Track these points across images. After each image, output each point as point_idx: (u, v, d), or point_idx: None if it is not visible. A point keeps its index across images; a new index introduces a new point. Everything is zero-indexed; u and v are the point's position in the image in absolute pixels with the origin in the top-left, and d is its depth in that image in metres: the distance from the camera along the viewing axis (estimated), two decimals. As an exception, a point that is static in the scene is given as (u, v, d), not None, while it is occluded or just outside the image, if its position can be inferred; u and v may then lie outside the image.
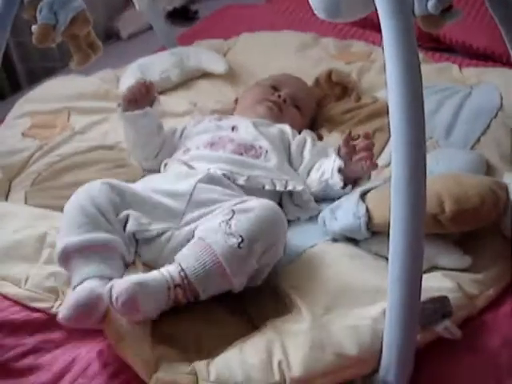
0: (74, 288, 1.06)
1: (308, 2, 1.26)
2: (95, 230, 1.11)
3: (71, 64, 1.40)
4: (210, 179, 1.25)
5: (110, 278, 1.05)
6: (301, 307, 1.07)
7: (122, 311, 0.99)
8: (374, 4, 0.95)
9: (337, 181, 1.27)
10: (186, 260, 1.05)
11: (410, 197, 0.88)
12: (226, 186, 1.26)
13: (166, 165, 1.39)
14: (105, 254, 1.09)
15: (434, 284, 1.03)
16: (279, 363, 0.95)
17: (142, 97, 1.41)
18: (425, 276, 0.93)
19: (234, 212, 1.09)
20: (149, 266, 1.15)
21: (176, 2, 2.51)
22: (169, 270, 1.04)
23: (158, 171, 1.41)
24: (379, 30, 2.15)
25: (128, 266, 1.12)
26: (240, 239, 1.05)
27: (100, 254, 1.08)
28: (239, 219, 1.07)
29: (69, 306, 1.00)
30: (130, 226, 1.14)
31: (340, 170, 1.27)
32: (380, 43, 1.89)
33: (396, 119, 0.88)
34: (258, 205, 1.10)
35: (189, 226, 1.16)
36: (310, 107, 1.58)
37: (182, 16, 2.47)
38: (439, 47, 1.92)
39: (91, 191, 1.15)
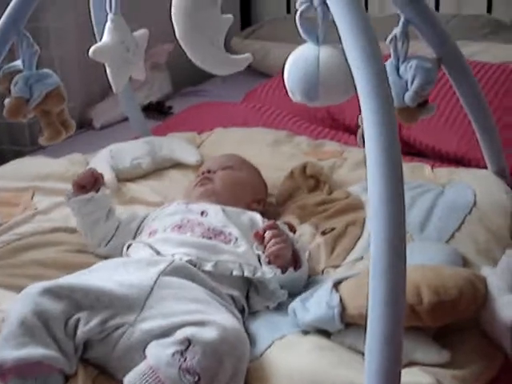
0: None
1: (282, 103, 1.27)
2: (32, 343, 1.02)
3: (40, 140, 1.38)
4: (174, 270, 1.19)
5: None
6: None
7: None
8: (354, 88, 0.95)
9: (273, 272, 1.24)
10: None
11: (388, 286, 0.86)
12: (191, 276, 1.19)
13: (129, 246, 1.33)
14: (40, 374, 1.02)
15: (412, 380, 0.97)
16: None
17: (90, 184, 1.41)
18: (402, 372, 0.87)
19: (189, 342, 1.00)
20: (97, 366, 1.08)
21: (152, 96, 2.54)
22: None
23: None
24: (351, 132, 2.21)
25: (69, 378, 1.04)
26: (197, 378, 0.98)
27: (35, 374, 1.01)
28: (196, 352, 0.99)
29: None
30: (80, 334, 1.06)
31: (270, 262, 1.25)
32: (353, 143, 1.93)
33: (376, 204, 0.87)
34: (216, 335, 1.01)
35: (145, 324, 1.08)
36: (244, 166, 1.56)
37: (156, 111, 2.49)
38: (410, 151, 1.95)
39: (35, 297, 1.06)
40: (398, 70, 1.19)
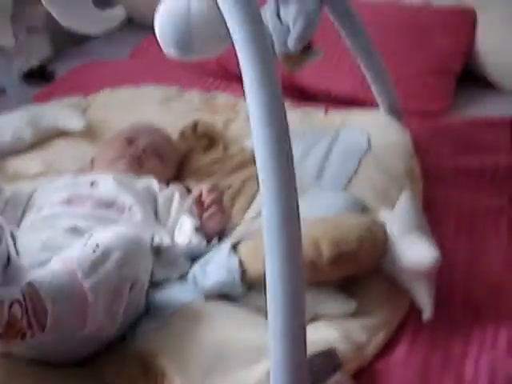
0: None
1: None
2: None
3: None
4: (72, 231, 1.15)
5: None
6: (175, 377, 0.95)
7: None
8: (231, 39, 0.88)
9: (197, 241, 1.19)
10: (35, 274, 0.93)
11: (284, 242, 0.81)
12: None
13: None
14: None
15: (318, 335, 0.94)
16: None
17: None
18: (307, 328, 0.84)
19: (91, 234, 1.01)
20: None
21: (33, 60, 2.36)
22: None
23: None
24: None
25: None
26: (96, 246, 0.96)
27: None
28: (97, 236, 0.99)
29: None
30: None
31: (198, 229, 1.19)
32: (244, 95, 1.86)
33: (262, 161, 0.82)
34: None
35: None
36: (172, 153, 1.47)
37: (38, 76, 2.32)
38: (304, 96, 1.91)
39: None
40: (278, 14, 1.12)
